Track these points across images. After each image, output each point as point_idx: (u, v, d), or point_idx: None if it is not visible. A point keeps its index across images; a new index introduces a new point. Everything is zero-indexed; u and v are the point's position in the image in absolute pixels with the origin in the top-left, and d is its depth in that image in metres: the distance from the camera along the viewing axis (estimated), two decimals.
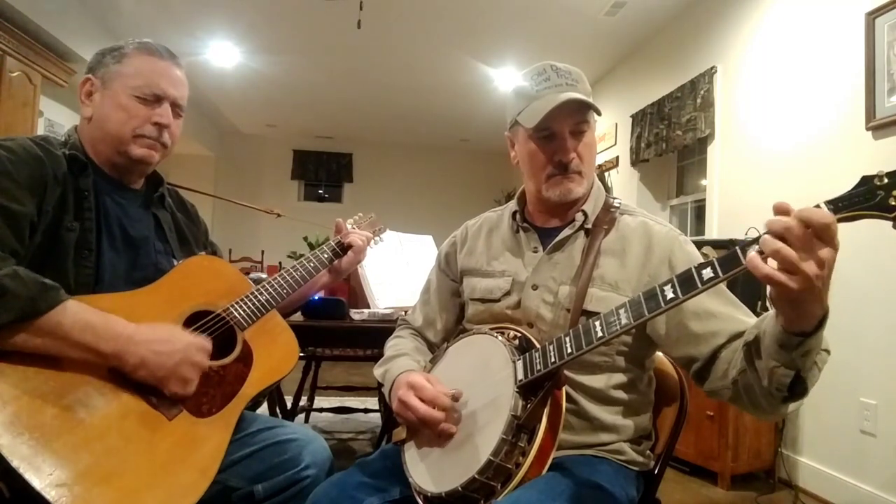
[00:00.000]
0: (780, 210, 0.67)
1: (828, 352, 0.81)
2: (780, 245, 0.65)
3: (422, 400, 0.98)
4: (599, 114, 1.09)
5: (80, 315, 0.92)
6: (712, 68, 3.45)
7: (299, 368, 3.01)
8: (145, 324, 0.99)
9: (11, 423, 0.83)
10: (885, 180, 0.66)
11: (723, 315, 0.95)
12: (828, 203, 0.67)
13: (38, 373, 0.89)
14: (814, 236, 0.65)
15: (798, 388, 0.79)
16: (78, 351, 0.91)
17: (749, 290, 2.63)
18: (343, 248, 1.43)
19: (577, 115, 1.05)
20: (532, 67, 1.09)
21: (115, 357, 0.94)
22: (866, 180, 0.67)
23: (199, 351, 1.02)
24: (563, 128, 1.05)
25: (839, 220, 0.66)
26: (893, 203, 0.65)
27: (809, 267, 0.65)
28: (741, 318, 0.94)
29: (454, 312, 1.28)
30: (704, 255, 2.36)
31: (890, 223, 0.66)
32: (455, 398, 0.99)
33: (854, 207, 0.67)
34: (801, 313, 0.72)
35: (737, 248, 0.72)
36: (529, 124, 1.04)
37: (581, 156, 1.07)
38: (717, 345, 0.93)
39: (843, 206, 0.67)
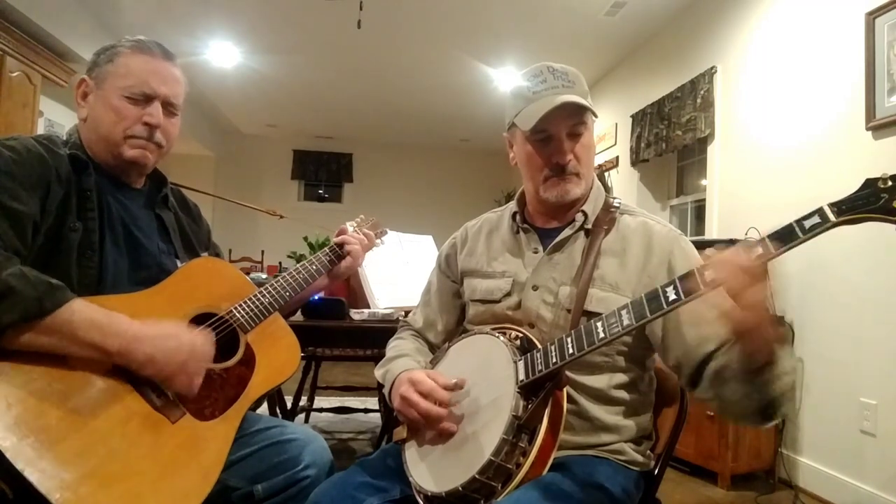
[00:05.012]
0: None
1: (791, 374, 0.84)
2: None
3: (423, 395, 0.98)
4: (596, 116, 1.09)
5: (86, 314, 0.91)
6: (712, 68, 3.45)
7: (299, 368, 3.01)
8: (150, 321, 0.99)
9: (16, 425, 0.83)
10: (889, 183, 0.66)
11: (714, 321, 0.95)
12: (831, 206, 0.68)
13: (43, 374, 0.89)
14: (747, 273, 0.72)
15: (769, 411, 0.84)
16: (84, 350, 0.91)
17: None
18: (342, 252, 1.43)
19: (573, 117, 1.05)
20: (529, 69, 1.10)
21: (122, 355, 0.93)
22: (870, 183, 0.67)
23: (205, 347, 1.02)
24: (559, 130, 1.05)
25: (842, 223, 0.67)
26: None
27: (758, 299, 0.71)
28: None
29: (455, 314, 1.28)
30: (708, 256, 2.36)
31: (892, 226, 0.66)
32: (458, 387, 0.99)
33: (857, 210, 0.67)
34: (762, 343, 0.78)
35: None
36: (526, 127, 1.04)
37: (578, 157, 1.07)
38: (706, 351, 0.94)
39: (847, 208, 0.67)
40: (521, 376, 0.91)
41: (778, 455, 2.67)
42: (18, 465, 0.80)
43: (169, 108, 1.15)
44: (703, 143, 3.57)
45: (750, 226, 2.78)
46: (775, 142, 2.94)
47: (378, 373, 1.17)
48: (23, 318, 0.85)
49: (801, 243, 0.69)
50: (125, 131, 1.10)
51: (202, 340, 1.02)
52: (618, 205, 1.13)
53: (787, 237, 0.69)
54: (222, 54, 4.89)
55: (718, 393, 0.89)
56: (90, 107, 1.12)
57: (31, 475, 0.80)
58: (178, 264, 1.18)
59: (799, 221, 0.69)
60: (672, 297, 0.77)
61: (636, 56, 4.55)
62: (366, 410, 3.45)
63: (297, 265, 1.32)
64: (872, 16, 2.35)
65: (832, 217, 0.67)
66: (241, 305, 1.15)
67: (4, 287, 0.84)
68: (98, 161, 1.12)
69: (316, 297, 1.89)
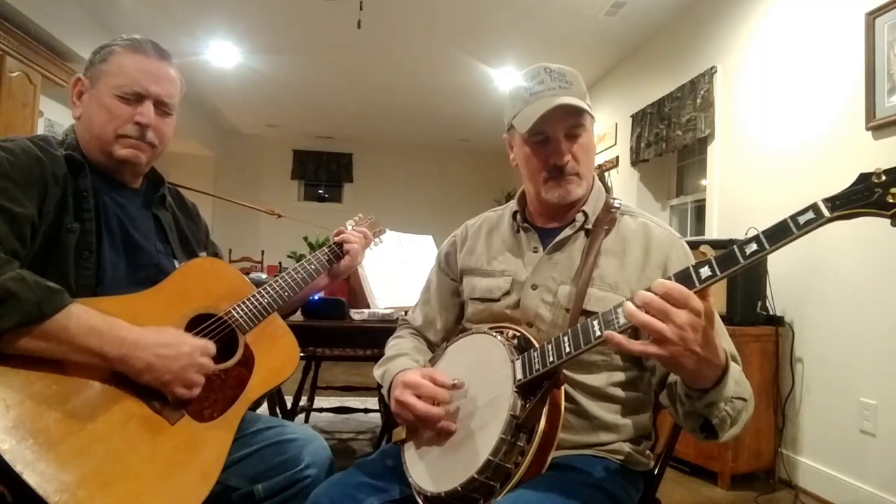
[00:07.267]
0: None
1: (743, 399, 0.85)
2: (637, 312, 0.73)
3: (419, 398, 0.98)
4: (593, 118, 1.09)
5: (85, 319, 0.91)
6: (712, 68, 3.45)
7: (299, 368, 3.01)
8: (150, 327, 0.98)
9: (15, 427, 0.83)
10: (883, 178, 0.66)
11: None
12: (825, 201, 0.68)
13: (41, 377, 0.89)
14: (666, 302, 0.71)
15: (710, 432, 0.85)
16: (83, 355, 0.91)
17: (749, 290, 2.63)
18: (341, 251, 1.43)
19: (570, 118, 1.05)
20: (527, 70, 1.10)
21: (121, 361, 0.93)
22: (864, 178, 0.67)
23: (204, 354, 1.02)
24: (556, 132, 1.05)
25: (837, 219, 0.67)
26: (891, 200, 0.65)
27: (671, 332, 0.71)
28: None
29: (454, 312, 1.28)
30: (702, 254, 2.37)
31: (888, 221, 0.66)
32: (457, 387, 1.00)
33: (852, 205, 0.67)
34: (688, 374, 0.79)
35: (734, 247, 0.72)
36: (523, 129, 1.05)
37: (577, 157, 1.07)
38: None
39: (841, 203, 0.67)
40: (519, 375, 0.91)
41: (778, 455, 2.67)
42: (17, 468, 0.80)
43: (162, 107, 1.15)
44: (703, 143, 3.57)
45: (750, 226, 2.78)
46: (775, 142, 2.94)
47: (377, 372, 1.17)
48: (22, 322, 0.85)
49: (795, 239, 0.69)
50: (116, 130, 1.10)
51: (202, 347, 1.02)
52: (618, 205, 1.13)
53: (781, 233, 0.69)
54: (222, 54, 4.90)
55: (671, 404, 0.93)
56: (84, 106, 1.12)
57: (30, 477, 0.80)
58: (176, 264, 1.18)
59: (793, 217, 0.69)
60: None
61: (636, 56, 4.55)
62: (366, 410, 3.45)
63: (296, 265, 1.32)
64: (872, 16, 2.35)
65: (826, 212, 0.67)
66: (239, 306, 1.15)
67: (3, 291, 0.84)
68: (93, 161, 1.12)
69: (316, 297, 1.89)
